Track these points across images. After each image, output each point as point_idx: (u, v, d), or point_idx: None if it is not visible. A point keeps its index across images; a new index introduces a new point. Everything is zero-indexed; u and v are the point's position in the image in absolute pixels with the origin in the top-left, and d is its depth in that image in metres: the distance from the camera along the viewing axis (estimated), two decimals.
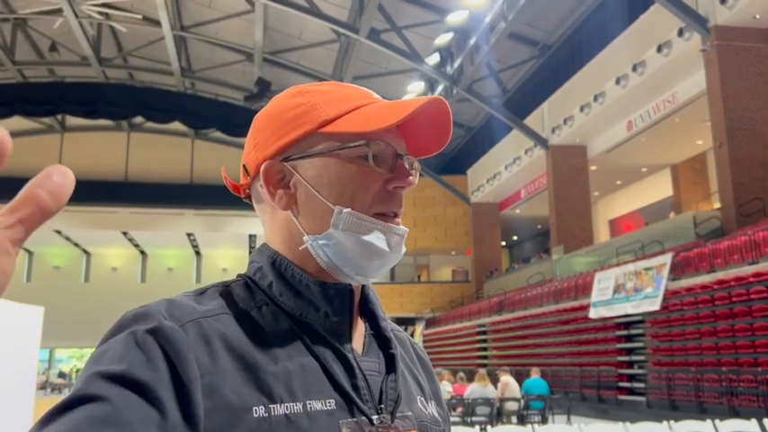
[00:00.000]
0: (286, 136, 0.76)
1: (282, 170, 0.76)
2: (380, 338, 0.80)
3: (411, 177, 0.77)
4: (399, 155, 0.77)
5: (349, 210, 0.74)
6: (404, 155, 0.78)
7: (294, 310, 0.74)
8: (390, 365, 0.77)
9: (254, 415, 0.64)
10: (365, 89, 0.80)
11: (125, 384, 0.60)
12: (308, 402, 0.67)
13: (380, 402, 0.73)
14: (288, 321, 0.73)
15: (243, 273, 0.80)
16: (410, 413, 0.76)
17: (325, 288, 0.74)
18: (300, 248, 0.75)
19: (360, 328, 0.79)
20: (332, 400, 0.69)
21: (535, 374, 11.95)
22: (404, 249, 0.78)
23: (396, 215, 0.77)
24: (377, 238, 0.74)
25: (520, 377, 12.56)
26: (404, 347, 0.87)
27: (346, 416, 0.69)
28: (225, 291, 0.75)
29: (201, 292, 0.74)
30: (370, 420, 0.70)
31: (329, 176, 0.75)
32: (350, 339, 0.75)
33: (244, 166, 0.80)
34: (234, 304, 0.73)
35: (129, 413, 0.58)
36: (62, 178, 0.42)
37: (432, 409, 0.82)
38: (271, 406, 0.65)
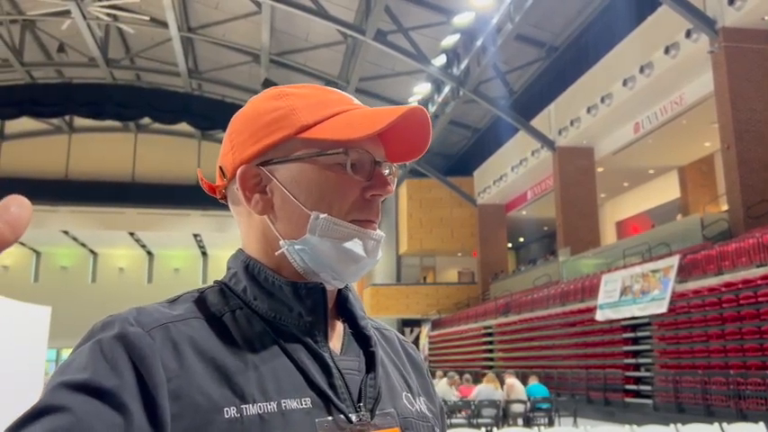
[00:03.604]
0: (263, 140, 0.75)
1: (259, 174, 0.76)
2: (360, 337, 0.80)
3: (389, 185, 0.77)
4: (377, 162, 0.77)
5: (326, 215, 0.74)
6: (382, 161, 0.77)
7: (268, 313, 0.74)
8: (371, 364, 0.77)
9: (226, 416, 0.64)
10: (345, 94, 0.80)
11: (89, 392, 0.60)
12: (282, 401, 0.67)
13: (360, 401, 0.72)
14: (262, 324, 0.73)
15: (219, 279, 0.80)
16: (392, 410, 0.75)
17: (297, 288, 0.74)
18: (276, 253, 0.75)
19: (338, 328, 0.79)
20: (308, 399, 0.68)
21: (533, 381, 11.95)
22: (380, 255, 0.78)
23: (372, 222, 0.77)
24: (354, 244, 0.74)
25: (526, 380, 12.53)
26: (391, 345, 0.87)
27: (323, 415, 0.68)
28: (198, 297, 0.75)
29: (174, 300, 0.75)
30: (348, 419, 0.69)
31: (307, 182, 0.74)
32: (326, 338, 0.75)
33: (220, 167, 0.80)
34: (206, 309, 0.73)
35: (93, 421, 0.58)
36: (19, 209, 0.43)
37: (420, 405, 0.81)
38: (243, 406, 0.65)
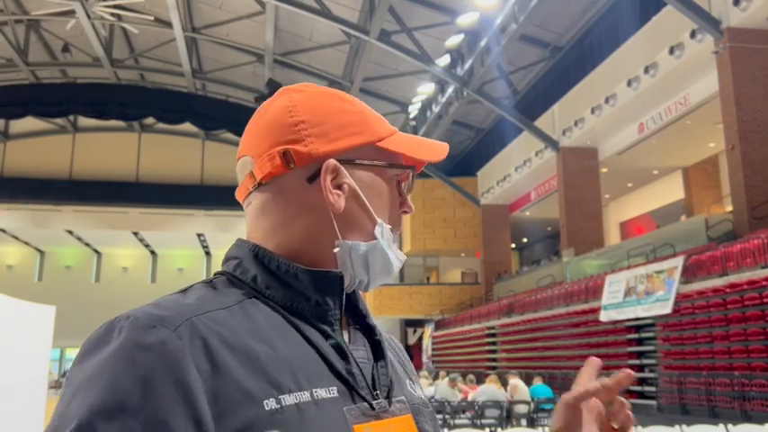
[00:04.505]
0: (345, 139, 0.76)
1: (336, 171, 0.75)
2: (364, 328, 0.81)
3: (410, 203, 0.84)
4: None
5: (390, 226, 0.79)
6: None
7: (284, 302, 0.73)
8: (378, 353, 0.78)
9: (267, 408, 0.63)
10: None
11: (123, 416, 0.57)
12: (314, 390, 0.67)
13: (374, 388, 0.73)
14: (280, 312, 0.72)
15: (219, 270, 0.78)
16: (402, 397, 0.76)
17: (316, 276, 0.73)
18: (335, 251, 0.75)
19: (344, 320, 0.80)
20: (334, 388, 0.69)
21: (537, 381, 11.92)
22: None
23: None
24: (394, 259, 0.79)
25: (529, 380, 12.51)
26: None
27: (348, 402, 0.69)
28: (210, 287, 0.73)
29: (185, 291, 0.72)
30: (372, 406, 0.70)
31: (378, 190, 0.78)
32: (341, 327, 0.75)
33: (284, 153, 0.75)
34: (222, 299, 0.70)
35: None
36: None
37: (420, 392, 0.84)
38: (281, 397, 0.64)
